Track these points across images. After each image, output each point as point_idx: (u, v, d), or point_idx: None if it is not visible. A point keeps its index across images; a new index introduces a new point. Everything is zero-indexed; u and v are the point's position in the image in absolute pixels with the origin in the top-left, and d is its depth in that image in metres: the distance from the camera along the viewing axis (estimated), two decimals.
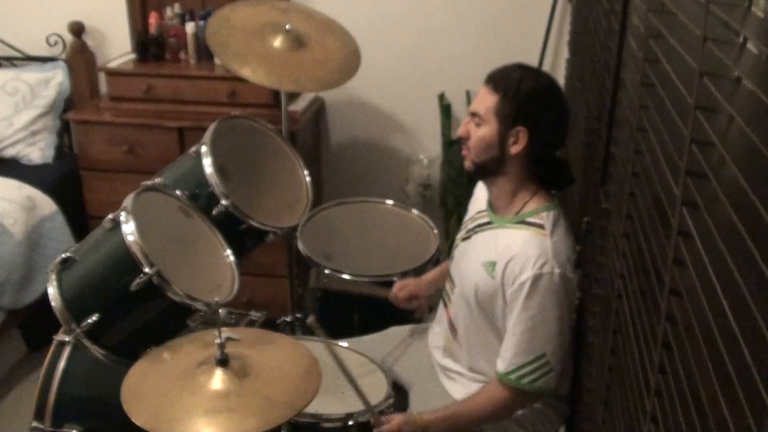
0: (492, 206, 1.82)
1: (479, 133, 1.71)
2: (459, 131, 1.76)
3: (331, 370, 1.87)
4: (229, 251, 1.97)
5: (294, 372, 1.58)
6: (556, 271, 1.62)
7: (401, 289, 2.10)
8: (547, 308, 1.63)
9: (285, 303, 2.69)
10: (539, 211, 1.71)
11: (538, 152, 1.71)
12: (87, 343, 1.75)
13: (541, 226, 1.68)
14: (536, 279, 1.61)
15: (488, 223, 1.81)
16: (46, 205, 2.93)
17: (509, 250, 1.67)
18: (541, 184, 1.76)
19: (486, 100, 1.70)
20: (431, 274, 2.14)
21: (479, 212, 1.87)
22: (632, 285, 1.13)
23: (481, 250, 1.76)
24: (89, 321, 1.72)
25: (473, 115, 1.73)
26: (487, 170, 1.74)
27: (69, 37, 3.25)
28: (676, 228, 0.86)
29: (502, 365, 1.69)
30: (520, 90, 1.68)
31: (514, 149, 1.69)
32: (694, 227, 0.81)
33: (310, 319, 1.80)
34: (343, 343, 2.02)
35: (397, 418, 1.71)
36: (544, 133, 1.72)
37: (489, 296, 1.71)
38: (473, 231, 1.85)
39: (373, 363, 1.95)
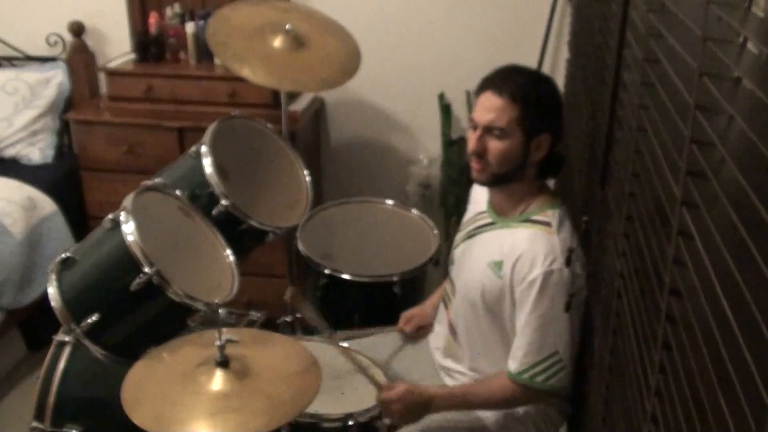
0: (494, 207, 1.82)
1: (502, 146, 1.67)
2: (473, 147, 1.70)
3: (330, 370, 1.87)
4: (229, 251, 1.97)
5: (294, 371, 1.57)
6: (566, 267, 1.62)
7: (407, 323, 2.08)
8: (558, 306, 1.63)
9: (285, 303, 2.68)
10: (545, 209, 1.71)
11: (553, 151, 1.73)
12: (87, 343, 1.75)
13: (547, 224, 1.68)
14: (546, 276, 1.61)
15: (491, 223, 1.80)
16: (46, 205, 2.93)
17: (516, 248, 1.66)
18: (544, 180, 1.77)
19: (506, 113, 1.65)
20: (434, 299, 2.11)
21: (480, 213, 1.86)
22: (632, 285, 1.13)
23: (486, 250, 1.75)
24: (89, 321, 1.72)
25: (490, 129, 1.68)
26: (507, 178, 1.73)
27: (69, 37, 3.24)
28: (676, 228, 0.86)
29: (513, 365, 1.68)
30: (539, 98, 1.68)
31: (538, 155, 1.70)
32: (694, 227, 0.81)
33: (288, 293, 1.77)
34: (343, 343, 2.02)
35: (401, 387, 1.69)
36: (561, 132, 1.76)
37: (496, 297, 1.70)
38: (475, 232, 1.84)
39: (373, 363, 1.95)
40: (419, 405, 1.69)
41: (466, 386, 1.78)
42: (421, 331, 2.08)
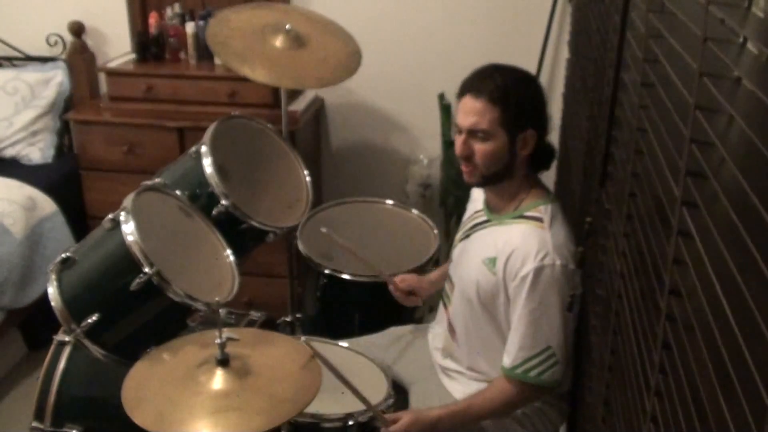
0: (489, 206, 1.83)
1: (487, 148, 1.68)
2: (460, 151, 1.71)
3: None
4: (229, 251, 1.97)
5: (294, 369, 1.58)
6: (558, 262, 1.62)
7: (402, 281, 2.09)
8: (551, 300, 1.63)
9: (285, 303, 2.69)
10: (537, 204, 1.72)
11: (541, 144, 1.73)
12: (87, 343, 1.75)
13: (539, 219, 1.69)
14: (538, 271, 1.62)
15: (486, 221, 1.81)
16: (46, 205, 2.93)
17: (509, 244, 1.67)
18: (535, 174, 1.78)
19: (487, 115, 1.66)
20: (434, 275, 2.13)
21: (476, 212, 1.87)
22: (632, 285, 1.13)
23: (481, 247, 1.76)
24: (89, 321, 1.72)
25: (473, 132, 1.68)
26: (497, 178, 1.73)
27: (69, 37, 3.25)
28: (676, 228, 0.86)
29: (508, 360, 1.69)
30: (518, 96, 1.68)
31: (525, 151, 1.71)
32: (694, 227, 0.81)
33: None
34: (343, 343, 2.02)
35: (405, 418, 1.69)
36: (545, 124, 1.75)
37: (491, 293, 1.71)
38: (472, 230, 1.85)
39: (373, 363, 1.95)
40: (426, 431, 1.70)
41: (466, 400, 1.77)
42: (411, 298, 2.08)
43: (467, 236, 1.86)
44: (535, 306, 1.64)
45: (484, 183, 1.76)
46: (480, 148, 1.69)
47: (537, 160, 1.76)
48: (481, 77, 1.71)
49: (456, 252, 1.90)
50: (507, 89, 1.67)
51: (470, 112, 1.68)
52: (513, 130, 1.67)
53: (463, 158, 1.72)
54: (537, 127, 1.71)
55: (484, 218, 1.82)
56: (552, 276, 1.62)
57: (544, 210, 1.71)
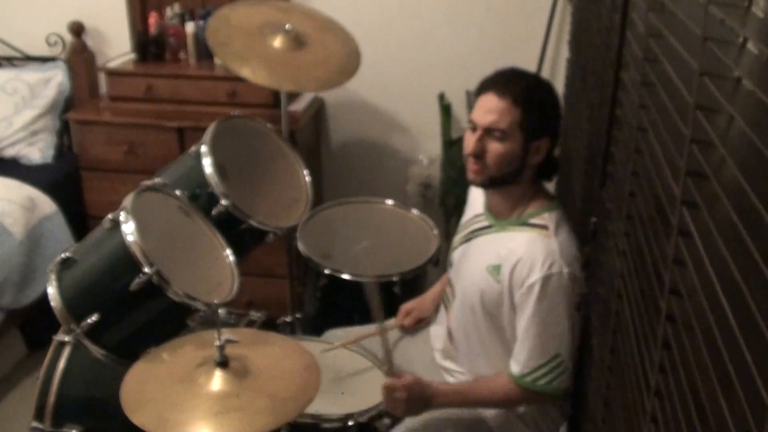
0: (491, 210, 1.82)
1: (501, 148, 1.66)
2: (472, 148, 1.68)
3: (330, 370, 1.87)
4: (229, 251, 1.97)
5: (294, 369, 1.57)
6: (565, 270, 1.62)
7: (406, 317, 2.07)
8: (558, 308, 1.63)
9: (285, 303, 2.68)
10: (541, 212, 1.71)
11: (551, 155, 1.73)
12: (87, 343, 1.75)
13: (544, 227, 1.68)
14: (546, 280, 1.61)
15: (488, 226, 1.80)
16: (46, 205, 2.93)
17: (514, 252, 1.66)
18: (540, 183, 1.77)
19: (508, 115, 1.64)
20: (432, 292, 2.11)
21: (477, 216, 1.86)
22: (632, 285, 1.13)
23: (484, 254, 1.75)
24: (89, 321, 1.72)
25: (490, 130, 1.66)
26: (503, 181, 1.72)
27: (69, 37, 3.24)
28: (676, 228, 0.86)
29: (516, 368, 1.68)
30: (542, 103, 1.69)
31: (536, 159, 1.70)
32: (694, 227, 0.81)
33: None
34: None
35: (408, 377, 1.68)
36: (558, 135, 1.75)
37: (495, 301, 1.70)
38: (472, 235, 1.84)
39: (373, 363, 1.95)
40: (422, 398, 1.68)
41: (468, 384, 1.77)
42: (421, 323, 2.07)
43: (468, 240, 1.85)
44: (543, 315, 1.62)
45: (489, 184, 1.74)
46: (494, 147, 1.67)
47: (543, 170, 1.75)
48: (505, 77, 1.70)
49: (456, 256, 1.89)
50: (532, 94, 1.67)
51: (492, 110, 1.66)
52: (530, 135, 1.67)
53: (474, 156, 1.69)
54: (551, 137, 1.71)
55: (486, 223, 1.81)
56: (559, 284, 1.61)
57: (548, 217, 1.70)
